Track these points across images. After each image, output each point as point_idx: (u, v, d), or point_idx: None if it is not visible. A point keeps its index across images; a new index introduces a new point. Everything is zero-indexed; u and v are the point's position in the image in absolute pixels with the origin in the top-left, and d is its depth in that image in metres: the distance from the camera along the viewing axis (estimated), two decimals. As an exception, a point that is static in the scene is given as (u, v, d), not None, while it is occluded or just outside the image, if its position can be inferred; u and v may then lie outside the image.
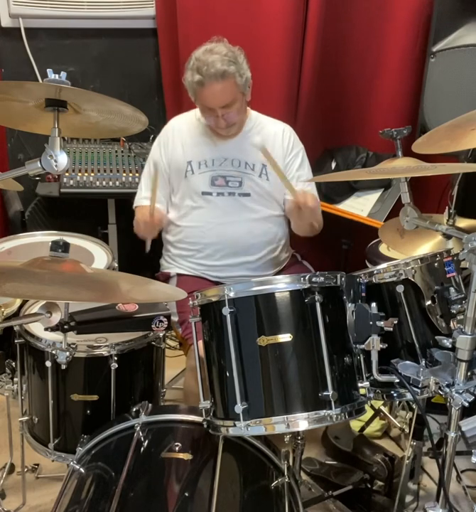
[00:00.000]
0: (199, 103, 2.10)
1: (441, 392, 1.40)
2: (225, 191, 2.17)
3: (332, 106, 2.90)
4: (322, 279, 1.37)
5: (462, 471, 2.15)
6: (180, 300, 1.63)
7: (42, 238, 2.34)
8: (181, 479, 1.43)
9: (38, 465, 2.18)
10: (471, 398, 1.36)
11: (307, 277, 1.36)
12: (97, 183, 2.71)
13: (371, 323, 1.38)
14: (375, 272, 1.51)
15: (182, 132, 2.23)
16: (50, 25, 2.91)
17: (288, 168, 2.23)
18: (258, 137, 2.16)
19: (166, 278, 2.26)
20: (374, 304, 1.39)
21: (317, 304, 1.35)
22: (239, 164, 2.18)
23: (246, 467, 1.52)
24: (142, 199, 2.24)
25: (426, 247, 1.83)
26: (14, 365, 1.89)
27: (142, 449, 1.47)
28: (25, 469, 2.06)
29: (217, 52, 2.01)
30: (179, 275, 2.23)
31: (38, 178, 2.79)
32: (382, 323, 1.38)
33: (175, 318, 2.06)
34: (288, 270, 2.29)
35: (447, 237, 1.67)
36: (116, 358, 1.70)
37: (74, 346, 1.64)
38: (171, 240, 2.27)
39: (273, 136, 2.23)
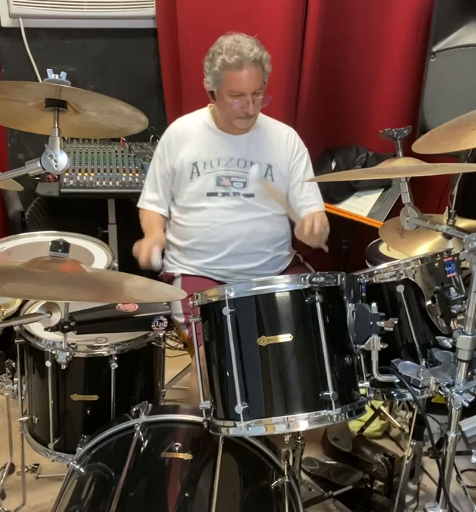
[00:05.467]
0: (225, 89, 2.03)
1: (441, 392, 1.40)
2: (230, 191, 2.16)
3: (332, 106, 2.90)
4: (322, 279, 1.37)
5: (462, 471, 2.15)
6: (185, 301, 1.63)
7: (42, 238, 2.34)
8: (181, 479, 1.43)
9: (38, 465, 2.17)
10: (471, 398, 1.36)
11: (307, 277, 1.36)
12: (97, 183, 2.70)
13: (371, 323, 1.38)
14: (375, 272, 1.51)
15: (186, 135, 2.21)
16: (50, 25, 2.91)
17: (294, 171, 2.24)
18: (255, 167, 2.12)
19: (170, 279, 2.26)
20: (374, 304, 1.39)
21: (318, 304, 1.35)
22: (244, 164, 2.17)
23: (246, 467, 1.52)
24: (145, 202, 2.28)
25: (426, 246, 1.84)
26: (14, 365, 1.89)
27: (142, 449, 1.47)
28: (25, 469, 2.06)
29: (249, 39, 2.03)
30: (183, 276, 2.23)
31: (38, 178, 2.79)
32: (382, 323, 1.38)
33: (181, 320, 2.05)
34: (290, 271, 2.29)
35: (448, 237, 1.67)
36: (116, 358, 1.70)
37: (74, 346, 1.64)
38: (175, 241, 2.27)
39: (278, 138, 2.23)
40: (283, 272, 2.28)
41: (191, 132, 2.22)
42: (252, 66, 2.00)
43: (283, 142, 2.23)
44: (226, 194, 2.17)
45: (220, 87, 2.06)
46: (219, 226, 2.16)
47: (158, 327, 1.79)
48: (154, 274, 2.27)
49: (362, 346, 1.40)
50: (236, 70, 2.00)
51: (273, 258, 2.24)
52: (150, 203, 2.27)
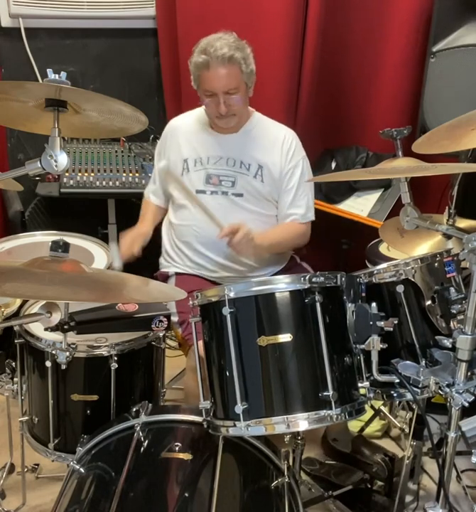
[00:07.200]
0: (201, 89, 2.06)
1: (441, 392, 1.40)
2: (219, 190, 2.16)
3: (332, 106, 2.90)
4: (322, 279, 1.37)
5: (462, 471, 2.15)
6: (179, 300, 1.63)
7: (42, 238, 2.35)
8: (181, 479, 1.43)
9: (38, 465, 2.17)
10: (471, 398, 1.36)
11: (307, 277, 1.36)
12: (97, 183, 2.71)
13: (371, 323, 1.38)
14: (375, 272, 1.51)
15: (180, 131, 2.24)
16: (50, 25, 2.91)
17: (288, 177, 2.18)
18: (164, 162, 2.22)
19: (165, 277, 2.27)
20: (374, 304, 1.39)
21: (318, 304, 1.35)
22: (233, 164, 2.16)
23: (246, 467, 1.52)
24: (147, 191, 2.40)
25: (426, 246, 1.84)
26: (14, 365, 1.89)
27: (142, 449, 1.47)
28: (25, 469, 2.06)
29: (225, 38, 2.02)
30: (177, 274, 2.23)
31: (38, 178, 2.79)
32: (382, 323, 1.38)
33: (174, 319, 2.05)
34: (286, 272, 2.28)
35: (448, 237, 1.67)
36: (116, 358, 1.70)
37: (74, 346, 1.64)
38: (169, 240, 2.28)
39: (273, 140, 2.19)
40: (279, 273, 2.27)
41: (184, 130, 2.24)
42: (220, 65, 1.99)
43: (278, 144, 2.18)
44: (215, 193, 2.16)
45: (198, 86, 2.09)
46: (206, 225, 2.14)
47: (158, 327, 1.79)
48: (151, 273, 2.28)
49: (362, 346, 1.40)
50: (204, 70, 2.01)
51: (263, 259, 2.22)
52: (149, 192, 2.38)
